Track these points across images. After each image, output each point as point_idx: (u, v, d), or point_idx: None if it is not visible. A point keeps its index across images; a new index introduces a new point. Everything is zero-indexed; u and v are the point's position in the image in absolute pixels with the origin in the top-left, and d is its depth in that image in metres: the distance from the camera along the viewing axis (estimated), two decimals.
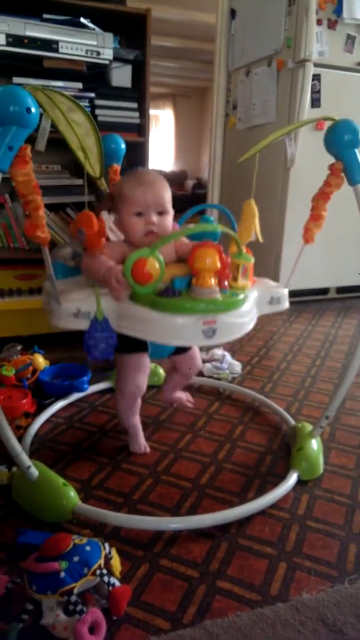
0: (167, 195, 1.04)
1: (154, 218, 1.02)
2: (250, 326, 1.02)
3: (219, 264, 0.90)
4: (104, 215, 1.05)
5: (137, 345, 1.08)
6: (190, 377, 1.31)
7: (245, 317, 0.99)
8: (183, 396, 1.37)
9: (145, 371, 1.14)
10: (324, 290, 2.76)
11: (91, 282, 1.00)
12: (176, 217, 1.13)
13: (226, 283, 0.96)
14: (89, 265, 0.99)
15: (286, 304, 1.15)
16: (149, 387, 1.19)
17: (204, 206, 1.29)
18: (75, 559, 0.73)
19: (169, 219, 1.04)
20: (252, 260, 1.03)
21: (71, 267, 1.12)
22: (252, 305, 1.03)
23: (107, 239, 1.08)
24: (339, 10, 2.31)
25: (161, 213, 1.03)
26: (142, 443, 1.21)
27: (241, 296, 0.98)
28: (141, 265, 0.88)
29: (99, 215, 1.00)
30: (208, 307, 0.91)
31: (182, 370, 1.28)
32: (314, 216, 1.06)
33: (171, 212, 1.05)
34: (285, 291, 1.14)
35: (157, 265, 0.90)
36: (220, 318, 0.92)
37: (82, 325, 0.94)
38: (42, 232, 0.84)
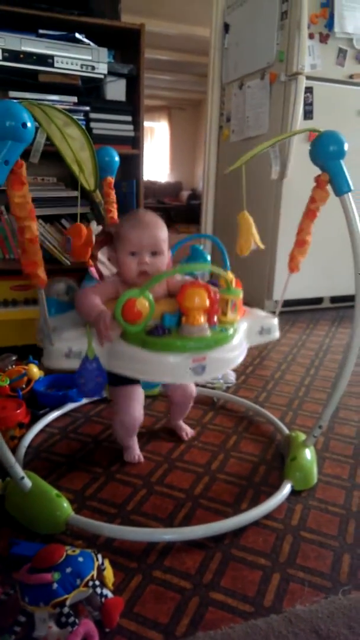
0: (162, 236, 1.06)
1: (147, 259, 1.04)
2: (241, 359, 1.04)
3: (207, 302, 0.92)
4: (93, 225, 1.07)
5: (128, 378, 1.09)
6: (187, 407, 1.32)
7: (235, 350, 1.01)
8: (184, 429, 1.36)
9: (140, 400, 1.15)
10: (318, 300, 2.77)
11: (84, 321, 1.02)
12: (171, 230, 1.15)
13: (215, 318, 0.98)
14: (80, 306, 1.01)
15: (277, 334, 1.17)
16: (144, 398, 1.19)
17: (196, 236, 1.32)
18: (68, 570, 0.73)
19: (162, 259, 1.07)
20: (241, 295, 1.05)
21: (65, 302, 1.14)
22: (242, 338, 1.05)
23: (101, 276, 1.11)
24: (330, 25, 2.36)
25: (155, 253, 1.05)
26: (136, 453, 1.21)
27: (230, 331, 1.00)
28: (131, 305, 0.90)
29: (96, 254, 1.03)
30: (198, 345, 0.93)
31: (176, 401, 1.29)
32: (299, 242, 1.08)
33: (166, 252, 1.08)
34: (275, 321, 1.17)
35: (147, 304, 0.92)
36: (210, 355, 0.94)
37: (74, 364, 0.96)
38: (42, 271, 0.86)
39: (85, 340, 0.95)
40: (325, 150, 0.97)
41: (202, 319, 0.94)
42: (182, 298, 0.92)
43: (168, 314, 0.96)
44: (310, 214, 1.05)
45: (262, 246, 1.16)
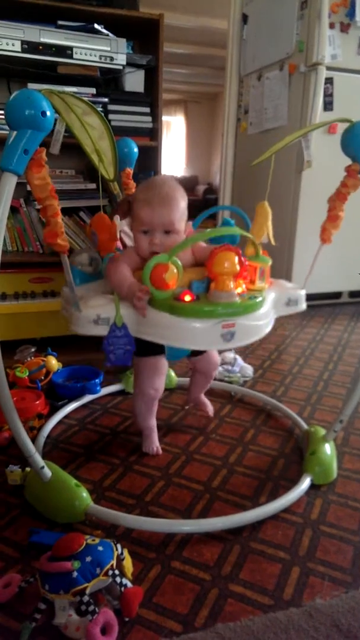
0: (176, 214, 1.01)
1: (157, 239, 1.01)
2: (268, 328, 1.03)
3: (238, 268, 0.90)
4: (117, 220, 1.06)
5: (155, 348, 1.09)
6: (211, 376, 1.31)
7: (263, 319, 1.00)
8: (208, 405, 1.36)
9: (162, 373, 1.15)
10: (337, 294, 2.74)
11: (109, 289, 1.01)
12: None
13: (244, 286, 0.96)
14: (111, 277, 1.00)
15: (304, 305, 1.15)
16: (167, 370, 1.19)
17: (218, 208, 1.30)
18: (88, 559, 0.73)
19: (176, 237, 1.03)
20: (270, 262, 1.03)
21: (88, 272, 1.13)
22: (269, 307, 1.03)
23: (124, 246, 1.09)
24: (351, 14, 2.31)
25: (168, 232, 1.02)
26: (155, 444, 1.21)
27: (259, 299, 0.98)
28: (160, 271, 0.89)
29: (112, 219, 1.01)
30: (227, 311, 0.92)
31: (201, 369, 1.29)
32: (331, 217, 1.06)
33: (181, 230, 1.04)
34: (303, 292, 1.14)
35: (175, 270, 0.90)
36: (239, 321, 0.93)
37: (102, 331, 0.95)
38: (62, 239, 0.85)
39: (113, 307, 0.94)
40: (358, 141, 0.95)
41: (232, 284, 0.92)
42: (212, 263, 0.90)
43: (196, 281, 0.94)
44: (340, 195, 1.02)
45: (273, 242, 1.14)
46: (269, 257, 1.04)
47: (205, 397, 1.36)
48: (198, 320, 0.90)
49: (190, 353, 1.21)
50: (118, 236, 1.06)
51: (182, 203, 1.03)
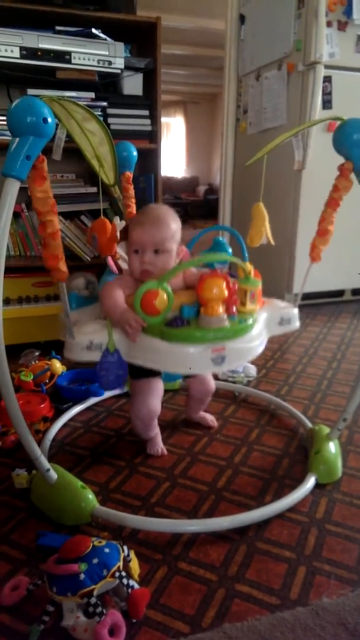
0: (166, 234, 1.04)
1: (147, 257, 1.03)
2: (261, 349, 1.04)
3: (226, 293, 0.91)
4: (116, 220, 1.07)
5: (150, 370, 1.09)
6: (204, 401, 1.32)
7: (254, 341, 1.01)
8: (207, 417, 1.37)
9: (158, 395, 1.15)
10: (339, 293, 2.73)
11: (104, 314, 1.02)
12: (188, 226, 1.14)
13: (234, 309, 0.97)
14: (103, 302, 1.02)
15: (297, 324, 1.15)
16: (165, 391, 1.19)
17: (214, 228, 1.31)
18: (95, 561, 0.74)
19: (166, 257, 1.05)
20: (260, 285, 1.04)
21: (85, 296, 1.15)
22: (261, 328, 1.04)
23: (120, 270, 1.11)
24: (348, 12, 2.31)
25: (157, 252, 1.04)
26: (159, 446, 1.22)
27: (250, 321, 0.99)
28: (150, 297, 0.90)
29: (112, 222, 1.02)
30: (217, 336, 0.93)
31: (195, 395, 1.30)
32: (321, 231, 1.06)
33: (172, 250, 1.06)
34: (295, 311, 1.15)
35: (165, 297, 0.91)
36: (229, 345, 0.94)
37: (95, 357, 0.97)
38: (63, 265, 0.86)
39: (106, 332, 0.96)
40: (350, 139, 0.95)
41: (221, 309, 0.93)
42: (201, 289, 0.92)
43: (186, 306, 0.95)
44: (332, 202, 1.03)
45: (272, 241, 1.15)
46: (259, 280, 1.04)
47: (203, 413, 1.37)
48: (189, 345, 0.92)
49: (185, 375, 1.22)
50: (118, 236, 1.08)
51: (172, 225, 1.06)
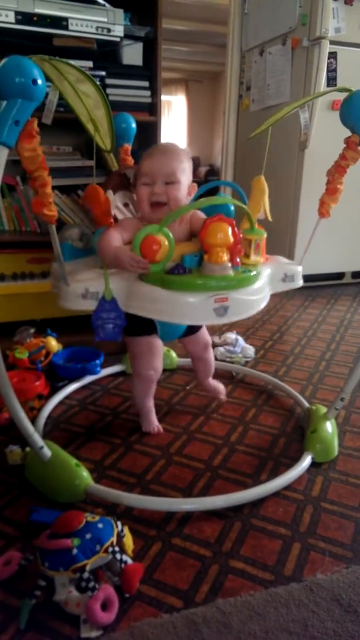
0: (178, 165, 0.99)
1: (158, 188, 0.98)
2: (263, 304, 1.00)
3: (231, 239, 0.88)
4: (110, 195, 1.03)
5: (146, 328, 1.07)
6: (206, 359, 1.27)
7: (257, 294, 0.97)
8: (220, 388, 1.34)
9: (159, 353, 1.13)
10: (339, 275, 2.71)
11: (99, 264, 0.98)
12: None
13: (238, 259, 0.94)
14: (98, 245, 0.98)
15: (300, 282, 1.12)
16: (162, 371, 1.18)
17: (217, 183, 1.26)
18: (88, 536, 0.73)
19: (179, 187, 1.00)
20: (265, 235, 1.01)
21: (79, 248, 1.11)
22: (264, 282, 1.01)
23: (115, 218, 1.07)
24: None
25: (170, 183, 0.99)
26: (154, 423, 1.20)
27: (254, 272, 0.95)
28: (150, 242, 0.87)
29: (106, 194, 0.99)
30: (220, 284, 0.89)
31: (195, 353, 1.27)
32: (330, 190, 1.03)
33: (183, 181, 1.01)
34: (299, 268, 1.12)
35: (166, 242, 0.88)
36: (233, 295, 0.90)
37: (90, 305, 0.92)
38: (49, 209, 0.82)
39: (102, 280, 0.92)
40: (356, 111, 0.92)
41: (225, 257, 0.89)
42: (205, 234, 0.88)
43: (188, 255, 0.91)
44: (339, 168, 1.00)
45: (269, 217, 1.11)
46: (264, 231, 1.01)
47: (214, 381, 1.34)
48: (190, 293, 0.88)
49: (182, 333, 1.19)
50: (112, 212, 1.04)
51: (184, 157, 1.01)
